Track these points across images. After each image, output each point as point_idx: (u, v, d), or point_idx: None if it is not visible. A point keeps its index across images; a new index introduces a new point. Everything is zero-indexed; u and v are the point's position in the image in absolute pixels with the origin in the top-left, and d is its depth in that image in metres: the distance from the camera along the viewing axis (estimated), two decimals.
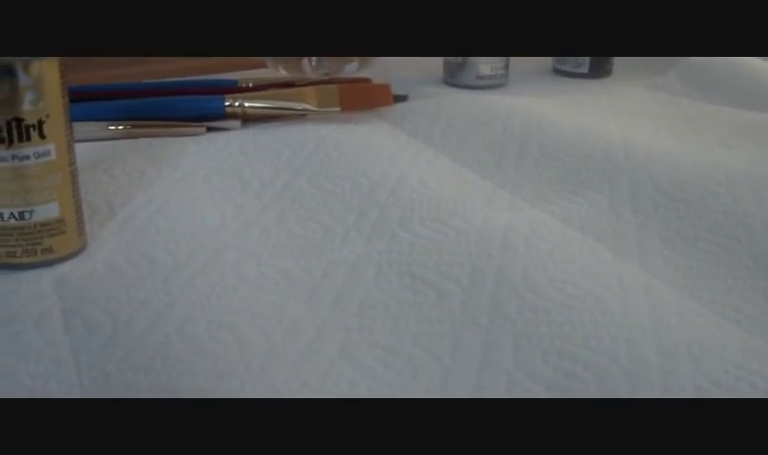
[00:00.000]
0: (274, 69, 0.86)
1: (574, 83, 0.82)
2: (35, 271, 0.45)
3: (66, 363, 0.37)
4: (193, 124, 0.68)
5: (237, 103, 0.69)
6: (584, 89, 0.78)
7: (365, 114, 0.70)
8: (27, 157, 0.43)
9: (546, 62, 0.88)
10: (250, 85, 0.77)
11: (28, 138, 0.43)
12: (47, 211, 0.45)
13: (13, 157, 0.43)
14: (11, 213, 0.44)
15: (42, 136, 0.43)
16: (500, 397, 0.35)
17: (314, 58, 0.83)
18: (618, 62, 0.86)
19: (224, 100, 0.69)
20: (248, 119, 0.69)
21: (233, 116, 0.69)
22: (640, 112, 0.72)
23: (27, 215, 0.44)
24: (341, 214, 0.51)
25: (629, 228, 0.49)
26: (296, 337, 0.39)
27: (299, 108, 0.69)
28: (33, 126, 0.43)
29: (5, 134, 0.43)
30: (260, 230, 0.50)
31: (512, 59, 0.82)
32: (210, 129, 0.68)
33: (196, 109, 0.69)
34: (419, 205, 0.52)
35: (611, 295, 0.41)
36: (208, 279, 0.44)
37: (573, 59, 0.84)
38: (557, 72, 0.86)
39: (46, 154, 0.44)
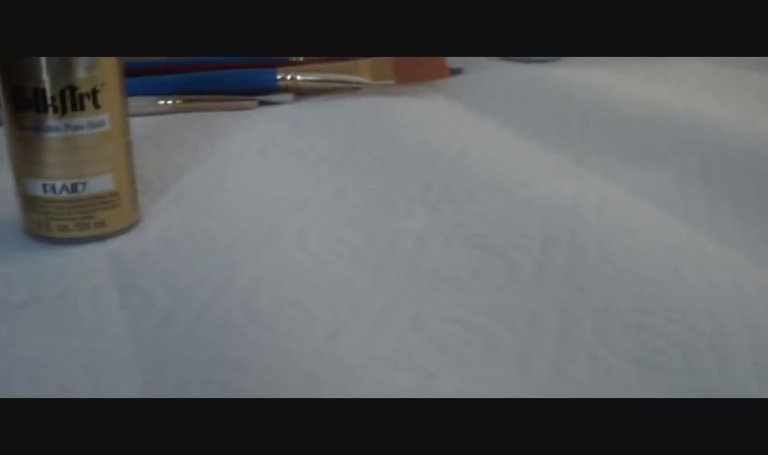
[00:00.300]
0: None
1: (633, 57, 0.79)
2: (87, 246, 0.44)
3: (123, 339, 0.36)
4: (245, 98, 0.67)
5: (289, 77, 0.68)
6: (645, 63, 0.76)
7: (420, 87, 0.69)
8: (81, 127, 0.42)
9: None
10: (302, 60, 0.75)
11: (82, 108, 0.42)
12: (101, 184, 0.43)
13: (66, 127, 0.42)
14: (64, 185, 0.43)
15: (96, 105, 0.42)
16: (581, 372, 0.33)
17: None
18: None
19: (276, 74, 0.68)
20: (301, 93, 0.68)
21: (285, 89, 0.68)
22: (704, 85, 0.69)
23: (80, 188, 0.43)
24: (403, 185, 0.50)
25: (701, 199, 0.47)
26: (364, 311, 0.37)
27: (352, 81, 0.68)
28: (87, 95, 0.42)
29: (58, 103, 0.41)
30: (320, 202, 0.48)
31: None
32: (262, 103, 0.67)
33: (248, 82, 0.68)
34: (484, 176, 0.50)
35: (689, 266, 0.39)
36: (269, 252, 0.43)
37: None
38: None
39: (101, 124, 0.42)
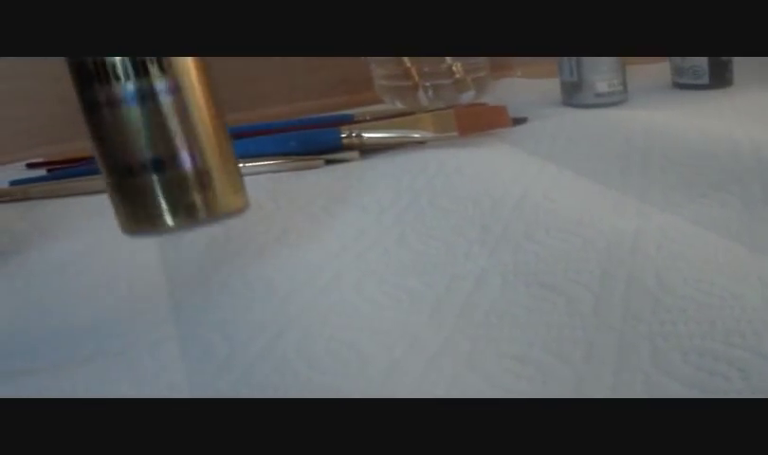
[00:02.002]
0: (390, 103, 0.85)
1: (695, 95, 0.79)
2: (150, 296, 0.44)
3: (181, 387, 0.36)
4: (311, 158, 0.67)
5: (354, 134, 0.68)
6: (706, 99, 0.76)
7: (484, 137, 0.69)
8: None
9: (665, 76, 0.85)
10: (368, 119, 0.76)
11: None
12: None
13: None
14: None
15: None
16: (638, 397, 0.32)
17: (430, 89, 0.82)
18: (739, 70, 0.83)
19: (340, 132, 0.68)
20: (367, 150, 0.69)
21: (351, 147, 0.68)
22: (765, 114, 0.68)
23: None
24: (464, 230, 0.50)
25: (764, 226, 0.46)
26: (419, 350, 0.37)
27: (416, 135, 0.68)
28: None
29: None
30: (381, 251, 0.48)
31: (630, 75, 0.79)
32: (328, 161, 0.67)
33: (313, 142, 0.69)
34: (544, 217, 0.50)
35: (750, 291, 0.39)
36: (327, 299, 0.43)
37: (692, 71, 0.81)
38: (677, 85, 0.83)
39: None
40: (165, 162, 0.43)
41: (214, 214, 0.43)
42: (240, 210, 0.44)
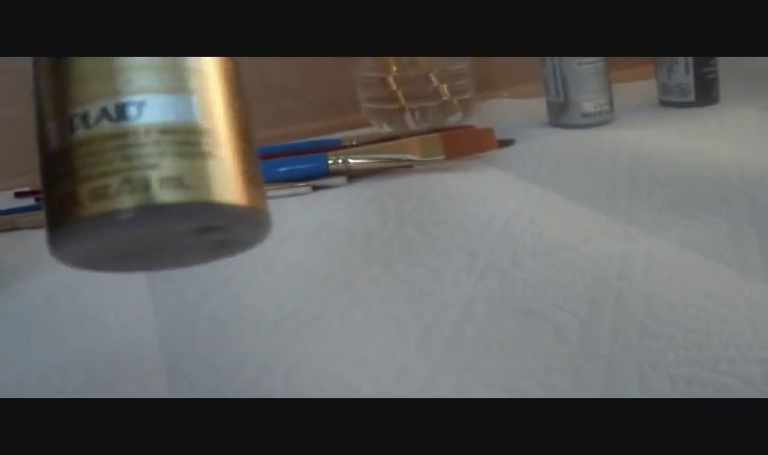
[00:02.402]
0: (377, 126, 0.85)
1: (681, 113, 0.79)
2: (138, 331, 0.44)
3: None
4: (298, 184, 0.67)
5: (341, 160, 0.68)
6: (692, 117, 0.76)
7: (471, 160, 0.69)
8: None
9: (652, 94, 0.85)
10: (354, 143, 0.76)
11: None
12: None
13: None
14: None
15: None
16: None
17: (417, 111, 0.82)
18: (725, 87, 0.83)
19: (326, 158, 0.68)
20: (354, 175, 0.69)
21: (338, 173, 0.68)
22: (752, 133, 0.69)
23: None
24: (451, 257, 0.50)
25: (751, 247, 0.46)
26: (406, 382, 0.37)
27: (403, 159, 0.68)
28: None
29: None
30: (368, 279, 0.48)
31: (616, 93, 0.79)
32: (315, 188, 0.67)
33: (300, 169, 0.68)
34: (531, 242, 0.50)
35: (738, 315, 0.39)
36: (314, 330, 0.43)
37: (678, 88, 0.81)
38: (664, 103, 0.83)
39: None
40: None
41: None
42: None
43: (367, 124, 0.88)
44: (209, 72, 0.27)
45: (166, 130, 0.25)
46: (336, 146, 0.74)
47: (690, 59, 0.78)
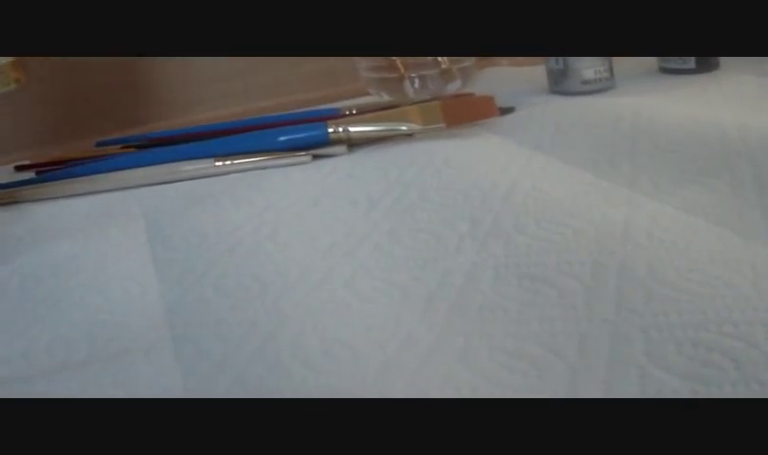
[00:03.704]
0: (376, 95, 0.85)
1: (681, 79, 0.79)
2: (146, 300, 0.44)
3: (176, 391, 0.36)
4: (299, 154, 0.67)
5: (341, 129, 0.68)
6: (693, 84, 0.75)
7: (472, 128, 0.69)
8: None
9: (651, 62, 0.84)
10: (354, 112, 0.76)
11: None
12: None
13: None
14: None
15: None
16: (632, 392, 0.32)
17: (416, 80, 0.82)
18: None
19: (327, 127, 0.68)
20: (354, 144, 0.69)
21: (338, 141, 0.68)
22: (753, 99, 0.68)
23: None
24: (454, 224, 0.50)
25: (755, 211, 0.46)
26: (412, 347, 0.37)
27: (403, 128, 0.68)
28: None
29: None
30: (372, 246, 0.48)
31: (616, 61, 0.79)
32: (316, 157, 0.67)
33: (300, 138, 0.68)
34: (534, 208, 0.50)
35: (743, 279, 0.39)
36: (320, 297, 0.43)
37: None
38: (664, 70, 0.82)
39: None
40: None
41: None
42: None
43: (366, 93, 0.88)
44: None
45: None
46: (335, 116, 0.74)
47: None
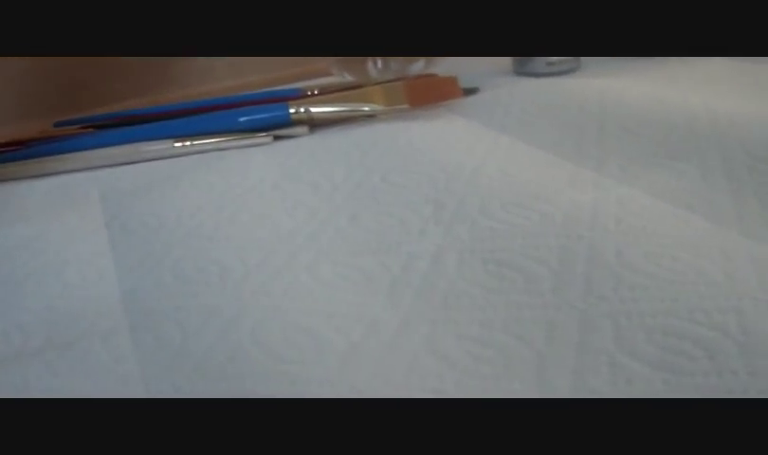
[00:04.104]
0: (339, 76, 0.84)
1: (649, 62, 0.78)
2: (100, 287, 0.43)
3: (134, 380, 0.35)
4: (260, 135, 0.66)
5: (303, 109, 0.67)
6: (661, 66, 0.75)
7: (436, 109, 0.68)
8: None
9: None
10: (316, 92, 0.75)
11: None
12: None
13: None
14: None
15: None
16: (602, 381, 0.32)
17: (379, 60, 0.81)
18: None
19: (288, 108, 0.67)
20: (316, 125, 0.68)
21: (300, 122, 0.67)
22: (721, 81, 0.68)
23: None
24: (418, 207, 0.49)
25: (724, 196, 0.46)
26: (377, 334, 0.36)
27: (366, 109, 0.67)
28: None
29: None
30: (334, 230, 0.47)
31: None
32: (277, 138, 0.66)
33: (260, 118, 0.67)
34: (499, 191, 0.49)
35: (713, 265, 0.38)
36: (281, 282, 0.42)
37: None
38: None
39: None
40: None
41: None
42: None
43: (328, 74, 0.87)
44: None
45: None
46: (297, 96, 0.73)
47: None
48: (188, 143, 0.66)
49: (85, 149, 0.68)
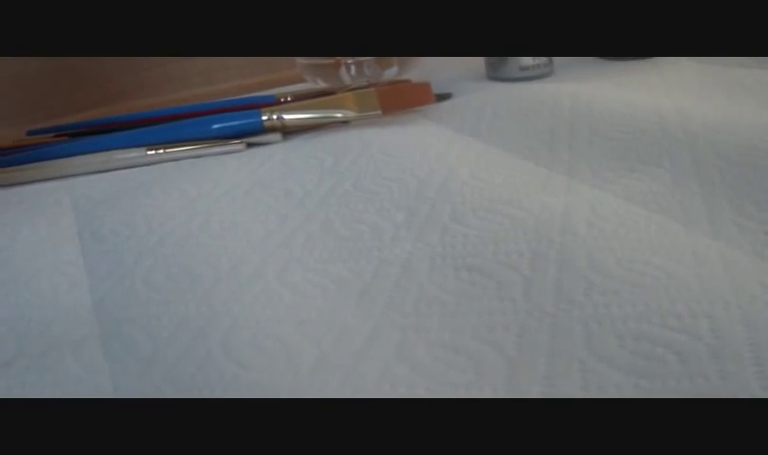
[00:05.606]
0: (312, 82, 0.84)
1: (621, 65, 0.78)
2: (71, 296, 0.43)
3: (105, 390, 0.35)
4: (232, 142, 0.66)
5: (275, 116, 0.67)
6: (633, 69, 0.75)
7: (408, 115, 0.68)
8: None
9: None
10: (289, 99, 0.74)
11: None
12: None
13: None
14: None
15: None
16: (574, 387, 0.32)
17: (352, 66, 0.81)
18: None
19: (260, 115, 0.67)
20: (289, 132, 0.68)
21: (272, 129, 0.67)
22: (693, 85, 0.68)
23: None
24: (390, 214, 0.49)
25: (696, 199, 0.46)
26: (347, 342, 0.36)
27: (339, 115, 0.67)
28: None
29: None
30: (305, 237, 0.47)
31: None
32: (250, 145, 0.66)
33: (233, 126, 0.67)
34: (471, 197, 0.49)
35: (685, 269, 0.38)
36: (251, 290, 0.42)
37: None
38: (603, 56, 0.82)
39: None
40: None
41: None
42: None
43: (302, 80, 0.86)
44: None
45: None
46: (270, 103, 0.73)
47: None
48: (161, 151, 0.66)
49: (58, 157, 0.68)
